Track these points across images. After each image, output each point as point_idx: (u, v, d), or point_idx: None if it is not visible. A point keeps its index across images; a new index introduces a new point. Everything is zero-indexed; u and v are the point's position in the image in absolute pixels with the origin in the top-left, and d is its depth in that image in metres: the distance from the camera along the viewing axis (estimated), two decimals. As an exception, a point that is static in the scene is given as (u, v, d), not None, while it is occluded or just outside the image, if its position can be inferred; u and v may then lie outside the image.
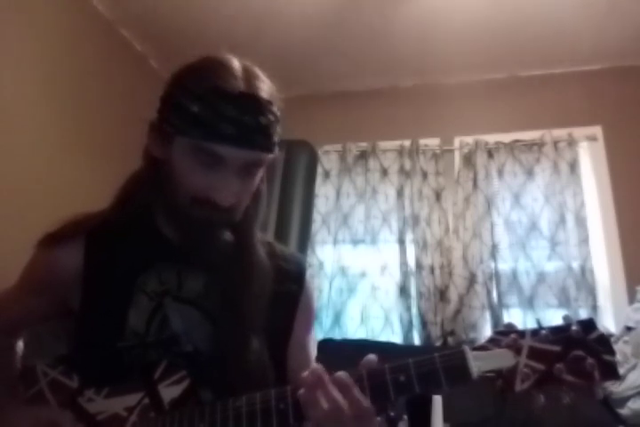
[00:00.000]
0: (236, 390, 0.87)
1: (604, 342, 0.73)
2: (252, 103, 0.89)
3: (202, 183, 0.91)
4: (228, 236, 1.02)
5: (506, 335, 0.77)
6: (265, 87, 0.92)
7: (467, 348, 0.78)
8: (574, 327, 0.74)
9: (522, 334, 0.77)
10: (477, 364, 0.76)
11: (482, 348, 0.78)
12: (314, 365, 0.85)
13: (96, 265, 1.00)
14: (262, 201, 1.06)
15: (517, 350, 0.75)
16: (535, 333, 0.76)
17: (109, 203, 1.06)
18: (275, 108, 0.92)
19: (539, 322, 0.75)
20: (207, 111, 0.87)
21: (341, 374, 0.80)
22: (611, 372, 0.72)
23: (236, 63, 0.93)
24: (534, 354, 0.75)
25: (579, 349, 0.72)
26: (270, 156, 0.95)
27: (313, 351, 1.13)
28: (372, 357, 0.82)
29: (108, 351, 0.95)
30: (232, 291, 0.98)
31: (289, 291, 1.08)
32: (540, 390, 0.74)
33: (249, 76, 0.91)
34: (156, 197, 1.01)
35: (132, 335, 0.95)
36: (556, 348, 0.74)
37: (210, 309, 0.99)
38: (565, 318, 0.76)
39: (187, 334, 0.97)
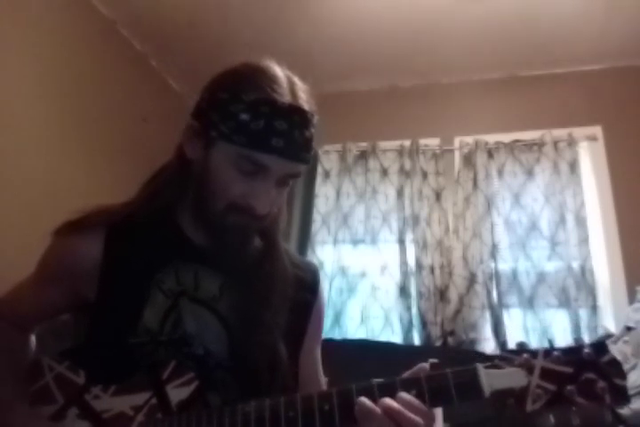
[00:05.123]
0: (246, 396, 0.87)
1: (616, 365, 0.73)
2: (299, 117, 0.91)
3: (241, 190, 0.92)
4: (257, 242, 1.03)
5: (517, 354, 0.78)
6: (306, 97, 0.94)
7: (479, 365, 0.78)
8: (586, 350, 0.74)
9: (534, 353, 0.77)
10: (490, 382, 0.76)
11: (494, 366, 0.78)
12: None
13: (115, 258, 0.99)
14: (284, 209, 1.07)
15: (530, 370, 0.76)
16: (547, 353, 0.76)
17: (133, 196, 1.06)
18: (315, 120, 0.94)
19: (550, 342, 0.76)
20: (258, 122, 0.88)
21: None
22: (621, 396, 0.72)
23: (280, 72, 0.95)
24: (546, 375, 0.75)
25: (590, 371, 0.73)
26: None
27: (320, 358, 1.15)
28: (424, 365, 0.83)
29: (119, 346, 0.94)
30: (254, 297, 0.99)
31: (303, 300, 1.09)
32: (551, 411, 0.75)
33: (293, 86, 0.93)
34: (183, 197, 1.01)
35: (144, 332, 0.95)
36: (568, 369, 0.74)
37: (223, 312, 0.99)
38: (577, 340, 0.76)
39: (199, 336, 0.97)
